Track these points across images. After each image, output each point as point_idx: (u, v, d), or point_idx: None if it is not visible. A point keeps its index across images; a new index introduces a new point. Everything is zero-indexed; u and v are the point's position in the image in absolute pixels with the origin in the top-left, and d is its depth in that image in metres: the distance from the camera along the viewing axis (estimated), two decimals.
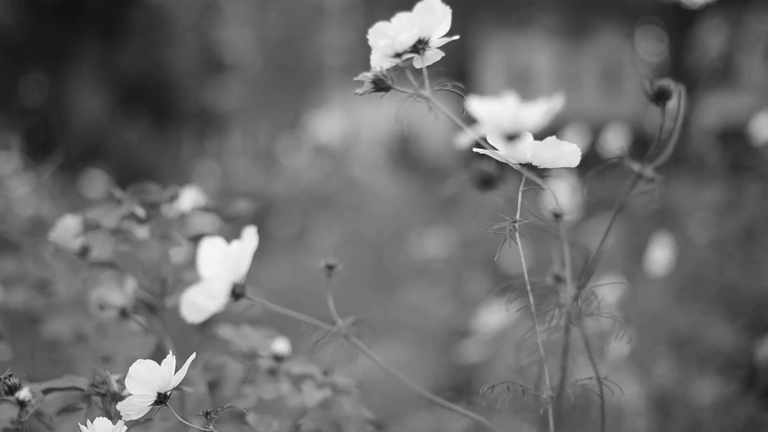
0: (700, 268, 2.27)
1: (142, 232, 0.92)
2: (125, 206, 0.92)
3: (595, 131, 1.95)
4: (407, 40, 0.80)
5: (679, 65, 14.22)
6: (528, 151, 0.82)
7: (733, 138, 1.95)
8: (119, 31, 11.72)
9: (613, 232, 4.29)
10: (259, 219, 5.02)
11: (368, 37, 0.83)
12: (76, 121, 10.52)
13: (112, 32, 11.44)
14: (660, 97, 0.77)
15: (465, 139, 0.84)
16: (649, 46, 16.77)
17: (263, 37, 18.81)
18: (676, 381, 2.01)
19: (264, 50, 18.93)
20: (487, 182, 0.79)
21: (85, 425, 0.76)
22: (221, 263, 0.73)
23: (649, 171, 0.77)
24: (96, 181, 3.45)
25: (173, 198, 0.93)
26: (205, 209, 0.96)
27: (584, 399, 1.86)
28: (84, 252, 0.94)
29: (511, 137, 0.77)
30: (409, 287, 3.54)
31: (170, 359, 0.75)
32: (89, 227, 0.92)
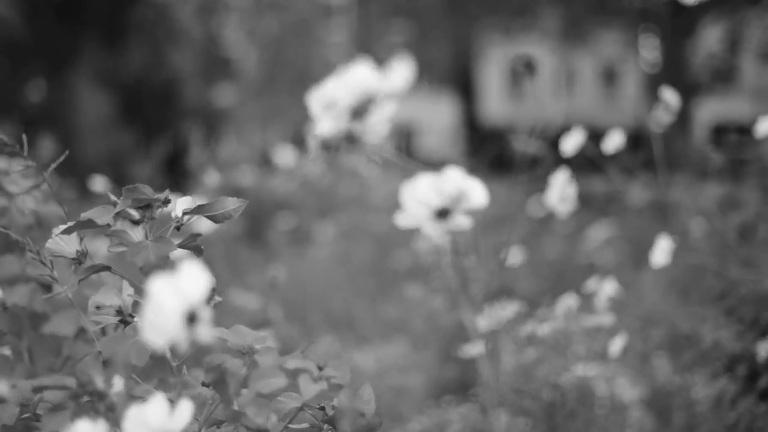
0: (699, 264, 2.27)
1: (136, 233, 0.92)
2: (119, 206, 0.93)
3: (593, 131, 1.96)
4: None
5: (679, 67, 14.28)
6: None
7: (731, 134, 1.96)
8: (123, 29, 11.74)
9: (612, 228, 4.29)
10: (259, 215, 5.03)
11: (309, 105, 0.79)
12: (80, 121, 10.54)
13: (116, 31, 11.45)
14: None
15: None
16: (648, 50, 16.84)
17: (263, 34, 18.83)
18: (676, 379, 2.02)
19: (264, 47, 18.96)
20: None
21: (72, 424, 0.76)
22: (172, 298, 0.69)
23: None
24: (99, 183, 3.46)
25: (166, 200, 0.93)
26: (195, 211, 0.96)
27: (582, 394, 1.87)
28: (80, 258, 0.94)
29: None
30: (410, 280, 3.55)
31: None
32: (83, 226, 0.92)
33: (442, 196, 0.74)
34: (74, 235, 0.97)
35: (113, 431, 0.77)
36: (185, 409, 0.72)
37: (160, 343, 0.69)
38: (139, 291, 0.94)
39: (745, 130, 2.01)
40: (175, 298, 0.69)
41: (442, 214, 0.74)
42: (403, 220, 0.73)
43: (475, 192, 0.75)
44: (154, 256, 0.90)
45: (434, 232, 0.73)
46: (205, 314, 0.70)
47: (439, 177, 0.75)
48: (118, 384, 0.85)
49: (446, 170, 0.75)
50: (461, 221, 0.74)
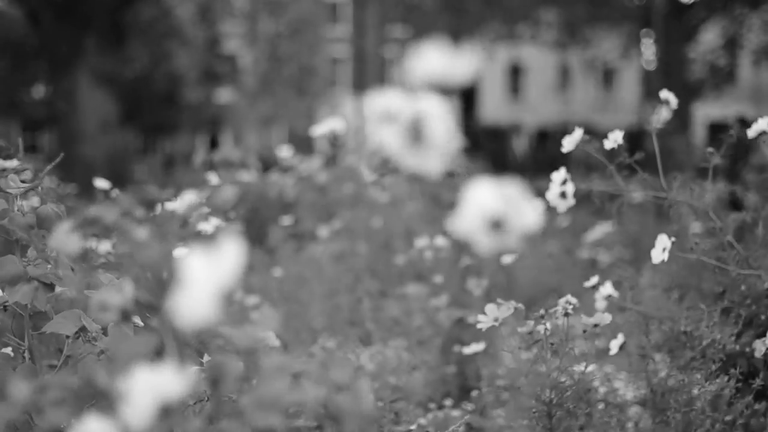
0: (698, 263, 2.28)
1: (141, 232, 0.93)
2: (125, 204, 0.94)
3: (592, 131, 1.97)
4: None
5: (678, 67, 14.32)
6: None
7: (729, 131, 1.96)
8: (124, 29, 11.73)
9: (611, 227, 4.28)
10: (259, 214, 5.02)
11: None
12: (82, 120, 10.55)
13: (117, 31, 11.45)
14: None
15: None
16: (648, 51, 16.90)
17: (263, 33, 18.79)
18: (675, 377, 2.02)
19: (264, 46, 18.93)
20: None
21: (83, 420, 0.77)
22: (206, 274, 0.74)
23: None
24: (100, 181, 3.47)
25: (170, 198, 0.94)
26: (197, 206, 0.97)
27: (582, 392, 1.87)
28: (84, 255, 0.95)
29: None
30: (411, 279, 3.56)
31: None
32: (89, 223, 0.93)
33: (498, 209, 0.74)
34: (77, 232, 0.97)
35: (118, 427, 0.78)
36: (189, 376, 0.77)
37: (191, 319, 0.73)
38: (144, 287, 0.94)
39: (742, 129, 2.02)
40: (210, 275, 0.73)
41: (496, 226, 0.75)
42: (457, 226, 0.74)
43: (531, 212, 0.75)
44: (159, 254, 0.91)
45: (485, 243, 0.74)
46: (237, 294, 0.74)
47: (499, 191, 0.75)
48: (121, 381, 0.86)
49: (506, 185, 0.75)
50: (511, 238, 0.74)
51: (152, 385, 0.76)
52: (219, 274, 0.74)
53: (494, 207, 0.73)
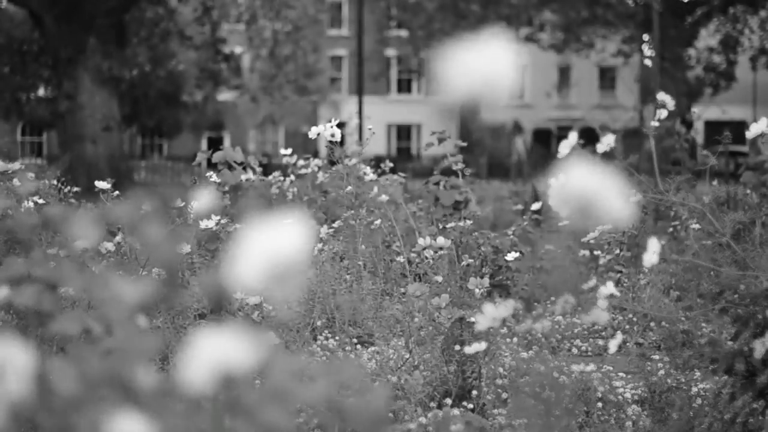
0: (697, 264, 2.28)
1: (156, 230, 0.94)
2: (143, 205, 0.95)
3: (592, 131, 1.98)
4: None
5: (678, 70, 14.34)
6: None
7: (727, 131, 1.98)
8: (126, 29, 11.74)
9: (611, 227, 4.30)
10: (262, 212, 5.04)
11: None
12: (84, 120, 10.54)
13: (119, 31, 11.46)
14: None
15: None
16: (648, 54, 16.96)
17: (266, 31, 18.78)
18: (674, 376, 2.03)
19: (266, 45, 18.90)
20: None
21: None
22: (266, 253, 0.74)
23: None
24: (102, 184, 3.48)
25: (184, 199, 0.96)
26: (214, 211, 0.98)
27: (581, 391, 1.88)
28: (100, 251, 0.97)
29: None
30: (411, 279, 3.56)
31: None
32: (110, 226, 0.95)
33: (594, 192, 0.75)
34: (93, 228, 0.99)
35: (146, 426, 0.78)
36: (267, 342, 0.76)
37: (238, 288, 0.74)
38: (159, 284, 0.95)
39: (739, 129, 2.03)
40: (267, 249, 0.74)
41: (586, 206, 0.75)
42: (551, 195, 0.75)
43: (623, 205, 0.76)
44: (174, 253, 0.92)
45: (570, 220, 0.75)
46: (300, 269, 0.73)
47: (599, 176, 0.75)
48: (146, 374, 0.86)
49: (605, 173, 0.76)
50: (595, 221, 0.75)
51: (217, 350, 0.74)
52: (279, 250, 0.73)
53: (590, 188, 0.73)
